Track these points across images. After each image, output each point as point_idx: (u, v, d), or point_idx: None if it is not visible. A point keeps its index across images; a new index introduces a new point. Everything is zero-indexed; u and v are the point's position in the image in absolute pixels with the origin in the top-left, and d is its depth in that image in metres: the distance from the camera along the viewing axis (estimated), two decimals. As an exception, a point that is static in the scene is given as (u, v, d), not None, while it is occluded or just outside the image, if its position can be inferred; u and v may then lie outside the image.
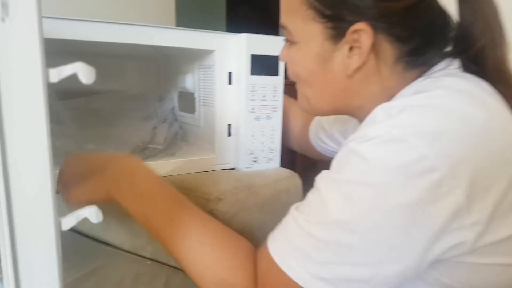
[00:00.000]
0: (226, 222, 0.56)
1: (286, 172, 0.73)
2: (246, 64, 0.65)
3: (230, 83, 0.68)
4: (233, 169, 0.73)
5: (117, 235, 0.67)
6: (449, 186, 0.35)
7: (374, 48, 0.45)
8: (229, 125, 0.70)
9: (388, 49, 0.46)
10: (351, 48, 0.45)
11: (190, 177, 0.66)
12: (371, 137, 0.38)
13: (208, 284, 0.44)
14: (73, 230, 0.78)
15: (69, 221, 0.27)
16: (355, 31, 0.44)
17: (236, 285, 0.44)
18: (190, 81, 0.77)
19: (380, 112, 0.41)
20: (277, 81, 0.69)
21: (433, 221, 0.36)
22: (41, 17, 0.26)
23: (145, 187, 0.49)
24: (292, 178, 0.72)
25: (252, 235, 0.61)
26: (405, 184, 0.35)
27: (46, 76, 0.25)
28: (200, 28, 0.63)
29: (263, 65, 0.67)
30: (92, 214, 0.28)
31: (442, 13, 0.48)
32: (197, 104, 0.76)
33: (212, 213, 0.57)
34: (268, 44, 0.67)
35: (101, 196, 0.49)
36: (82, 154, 0.55)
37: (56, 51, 0.44)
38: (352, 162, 0.39)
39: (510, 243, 0.38)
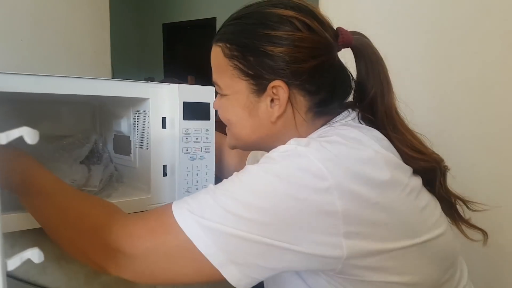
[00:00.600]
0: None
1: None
2: (179, 110, 0.71)
3: (164, 127, 0.73)
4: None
5: (54, 279, 0.66)
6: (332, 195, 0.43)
7: (290, 100, 0.54)
8: (164, 165, 0.74)
9: (301, 101, 0.55)
10: (272, 100, 0.54)
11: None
12: (281, 150, 0.48)
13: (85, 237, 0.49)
14: (9, 275, 0.76)
15: (14, 262, 0.30)
16: (274, 86, 0.53)
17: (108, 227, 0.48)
18: (125, 125, 0.81)
19: (291, 140, 0.50)
20: (209, 125, 0.76)
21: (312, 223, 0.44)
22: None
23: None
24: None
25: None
26: (302, 184, 0.44)
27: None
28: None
29: (195, 111, 0.73)
30: (34, 255, 0.30)
31: (343, 71, 0.60)
32: (132, 146, 0.80)
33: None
34: (199, 92, 0.74)
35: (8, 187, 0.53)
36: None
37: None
38: (261, 162, 0.48)
39: None
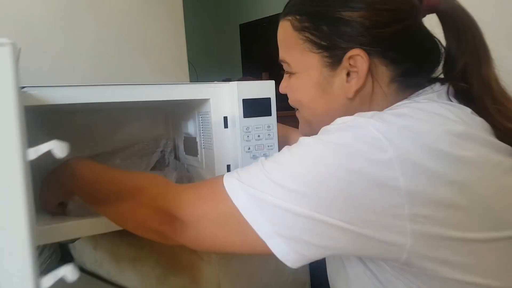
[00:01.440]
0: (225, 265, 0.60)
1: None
2: (238, 108, 0.70)
3: (226, 126, 0.73)
4: (236, 206, 0.77)
5: (130, 279, 0.71)
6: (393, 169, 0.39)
7: (370, 70, 0.49)
8: (228, 165, 0.75)
9: (383, 71, 0.50)
10: (348, 73, 0.50)
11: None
12: (339, 122, 0.45)
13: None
14: (92, 275, 0.83)
15: (48, 281, 0.31)
16: (351, 57, 0.49)
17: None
18: (192, 127, 0.83)
19: (355, 114, 0.46)
20: (270, 121, 0.74)
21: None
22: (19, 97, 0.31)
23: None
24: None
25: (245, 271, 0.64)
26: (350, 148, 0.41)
27: (25, 155, 0.29)
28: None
29: (254, 107, 0.72)
30: (68, 272, 0.31)
31: (430, 37, 0.53)
32: (199, 148, 0.82)
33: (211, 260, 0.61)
34: (259, 88, 0.72)
35: (61, 197, 0.58)
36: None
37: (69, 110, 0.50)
38: (321, 132, 0.45)
39: None
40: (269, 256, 0.43)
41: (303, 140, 0.45)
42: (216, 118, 0.73)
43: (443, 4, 0.50)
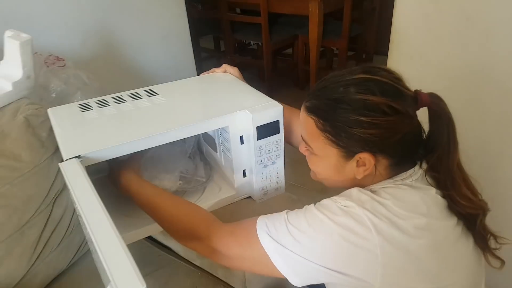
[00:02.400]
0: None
1: (289, 199, 0.96)
2: (253, 133, 0.84)
3: (242, 143, 0.88)
4: (249, 197, 0.96)
5: (175, 243, 0.94)
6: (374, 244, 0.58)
7: (376, 162, 0.65)
8: (244, 170, 0.92)
9: (383, 162, 0.66)
10: (358, 162, 0.66)
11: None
12: (343, 204, 0.62)
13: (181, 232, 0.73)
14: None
15: None
16: (361, 157, 0.64)
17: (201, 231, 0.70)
18: (211, 131, 0.97)
19: (354, 192, 0.64)
20: (279, 137, 0.88)
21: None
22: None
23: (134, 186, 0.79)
24: (294, 205, 0.95)
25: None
26: (347, 226, 0.60)
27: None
28: None
29: (266, 130, 0.85)
30: None
31: (419, 130, 0.67)
32: (218, 149, 0.97)
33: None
34: (270, 114, 0.84)
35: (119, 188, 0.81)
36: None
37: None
38: (326, 209, 0.63)
39: None
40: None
41: (319, 216, 0.63)
42: (234, 137, 0.87)
43: (432, 104, 0.64)
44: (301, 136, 0.72)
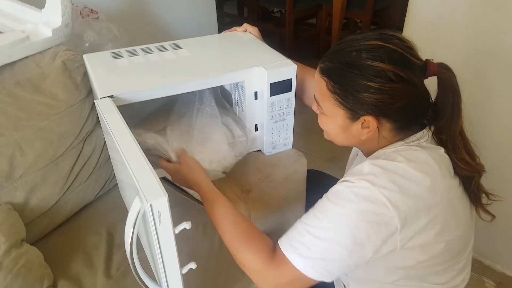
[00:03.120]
0: (253, 202, 0.92)
1: (295, 154, 1.05)
2: (266, 89, 0.92)
3: (256, 98, 0.96)
4: (259, 150, 1.05)
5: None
6: (391, 217, 0.64)
7: (378, 126, 0.70)
8: (256, 124, 1.00)
9: (387, 126, 0.71)
10: (362, 124, 0.71)
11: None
12: (358, 187, 0.66)
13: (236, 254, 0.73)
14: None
15: (178, 229, 0.63)
16: (365, 119, 0.70)
17: (252, 265, 0.70)
18: (228, 86, 1.05)
19: (366, 166, 0.67)
20: (290, 96, 0.96)
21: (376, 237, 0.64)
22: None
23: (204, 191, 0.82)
24: (299, 159, 1.04)
25: (268, 206, 0.97)
26: (365, 209, 0.64)
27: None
28: None
29: (279, 87, 0.93)
30: (188, 225, 0.63)
31: (425, 97, 0.72)
32: (234, 101, 1.06)
33: (245, 198, 0.93)
34: (284, 72, 0.92)
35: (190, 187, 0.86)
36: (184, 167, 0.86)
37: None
38: (344, 195, 0.66)
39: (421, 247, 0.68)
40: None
41: (336, 209, 0.65)
42: (248, 92, 0.95)
43: (441, 74, 0.69)
44: (314, 95, 0.78)
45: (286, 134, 1.03)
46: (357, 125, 0.71)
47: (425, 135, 0.72)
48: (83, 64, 1.01)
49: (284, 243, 0.68)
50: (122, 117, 0.72)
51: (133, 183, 0.59)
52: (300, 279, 0.66)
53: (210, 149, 0.93)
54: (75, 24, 1.24)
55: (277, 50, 1.00)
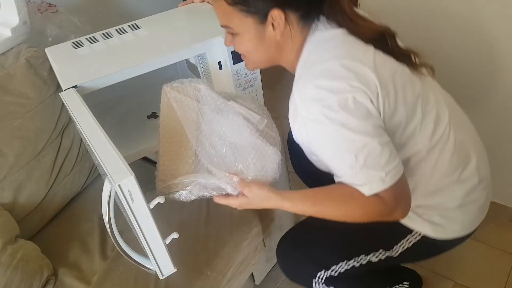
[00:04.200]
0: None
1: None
2: (229, 58, 0.93)
3: (220, 68, 0.97)
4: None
5: None
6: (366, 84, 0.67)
7: (286, 19, 0.72)
8: (225, 94, 1.02)
9: (292, 17, 0.73)
10: (273, 25, 0.73)
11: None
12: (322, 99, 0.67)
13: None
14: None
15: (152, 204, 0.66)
16: (272, 16, 0.71)
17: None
18: (192, 59, 1.06)
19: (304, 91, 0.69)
20: (253, 61, 0.97)
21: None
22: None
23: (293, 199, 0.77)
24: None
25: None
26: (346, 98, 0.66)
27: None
28: None
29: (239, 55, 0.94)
30: (162, 199, 0.67)
31: None
32: (200, 73, 1.07)
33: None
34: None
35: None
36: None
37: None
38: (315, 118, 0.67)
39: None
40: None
41: (326, 117, 0.66)
42: (212, 63, 0.96)
43: None
44: (220, 25, 0.78)
45: (257, 99, 1.04)
46: (269, 29, 0.73)
47: (322, 20, 0.75)
48: (47, 59, 1.01)
49: (362, 183, 0.69)
50: (86, 105, 0.74)
51: (101, 167, 0.61)
52: (397, 187, 0.68)
53: (251, 158, 0.78)
54: (35, 20, 1.23)
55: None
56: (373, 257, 0.86)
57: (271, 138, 0.80)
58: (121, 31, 1.00)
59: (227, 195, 0.78)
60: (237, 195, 0.78)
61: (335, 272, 0.87)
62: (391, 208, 0.70)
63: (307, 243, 0.91)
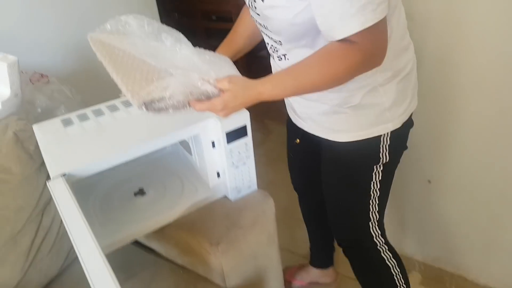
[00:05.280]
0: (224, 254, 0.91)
1: (261, 195, 1.05)
2: (223, 138, 0.92)
3: (213, 146, 0.96)
4: (225, 196, 1.05)
5: (157, 245, 1.02)
6: None
7: None
8: (218, 172, 1.00)
9: None
10: None
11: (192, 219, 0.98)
12: None
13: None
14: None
15: None
16: None
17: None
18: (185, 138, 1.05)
19: None
20: (247, 140, 0.96)
21: None
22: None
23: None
24: (266, 200, 1.04)
25: (241, 255, 0.95)
26: None
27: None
28: None
29: (235, 134, 0.94)
30: None
31: None
32: (192, 150, 1.05)
33: (215, 252, 0.91)
34: (237, 120, 0.92)
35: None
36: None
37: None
38: None
39: None
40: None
41: None
42: (205, 142, 0.95)
43: None
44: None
45: (249, 177, 1.03)
46: None
47: None
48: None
49: (347, 25, 0.67)
50: (74, 197, 0.70)
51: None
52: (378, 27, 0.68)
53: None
54: (26, 91, 1.22)
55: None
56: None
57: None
58: (113, 108, 0.99)
59: (206, 99, 0.73)
60: (216, 96, 0.73)
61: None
62: (370, 53, 0.72)
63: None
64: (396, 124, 0.89)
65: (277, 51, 0.89)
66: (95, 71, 1.66)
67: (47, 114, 1.23)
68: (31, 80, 1.25)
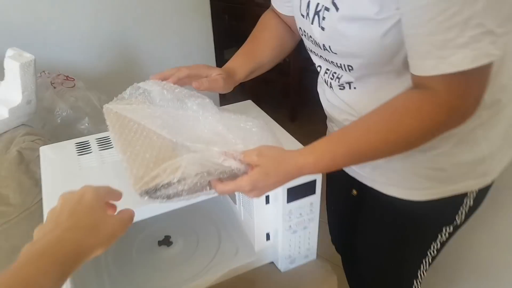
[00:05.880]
0: None
1: (321, 269, 0.79)
2: (282, 195, 0.68)
3: (267, 202, 0.72)
4: (272, 262, 0.80)
5: None
6: None
7: None
8: (268, 233, 0.76)
9: None
10: None
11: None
12: None
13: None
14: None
15: None
16: None
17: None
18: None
19: None
20: (314, 199, 0.72)
21: None
22: None
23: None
24: (327, 278, 0.78)
25: None
26: None
27: None
28: None
29: (299, 192, 0.69)
30: None
31: None
32: (237, 198, 0.82)
33: None
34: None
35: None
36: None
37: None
38: None
39: None
40: None
41: None
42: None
43: None
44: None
45: (309, 244, 0.78)
46: None
47: None
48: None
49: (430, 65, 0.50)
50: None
51: None
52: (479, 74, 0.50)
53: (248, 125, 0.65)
54: (45, 96, 1.03)
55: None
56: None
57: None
58: (145, 135, 0.77)
59: (231, 178, 0.57)
60: (244, 173, 0.57)
61: None
62: (459, 106, 0.52)
63: None
64: (493, 176, 0.70)
65: (338, 78, 0.68)
66: (132, 78, 1.47)
67: (66, 127, 1.03)
68: (52, 83, 1.06)
